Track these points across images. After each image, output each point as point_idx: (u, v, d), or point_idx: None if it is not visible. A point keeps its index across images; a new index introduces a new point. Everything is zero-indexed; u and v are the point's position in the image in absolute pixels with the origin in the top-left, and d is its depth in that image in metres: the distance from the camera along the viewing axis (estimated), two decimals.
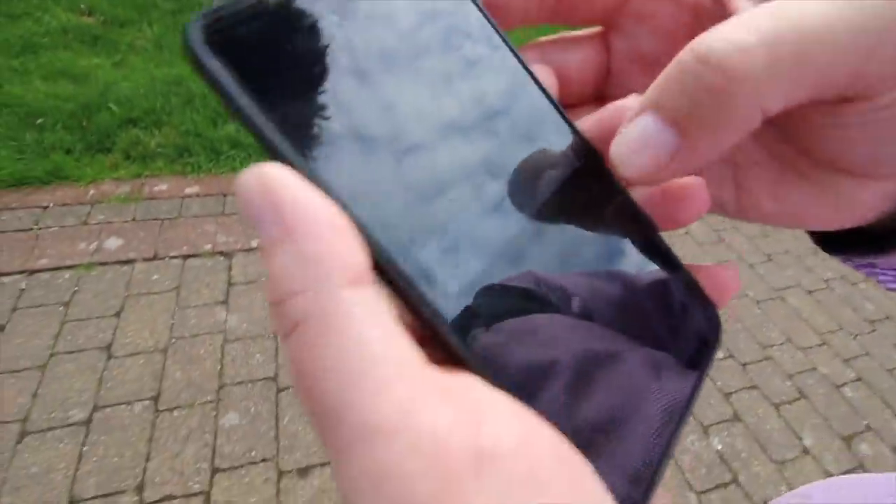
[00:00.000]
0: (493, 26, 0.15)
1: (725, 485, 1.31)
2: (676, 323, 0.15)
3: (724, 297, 0.16)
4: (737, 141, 0.13)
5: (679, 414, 0.14)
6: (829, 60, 0.11)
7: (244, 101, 0.11)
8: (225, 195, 1.90)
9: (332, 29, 0.12)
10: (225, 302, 1.53)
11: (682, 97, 0.12)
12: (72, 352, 1.34)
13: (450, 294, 0.12)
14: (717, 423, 1.47)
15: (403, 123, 0.12)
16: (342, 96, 0.12)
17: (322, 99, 0.12)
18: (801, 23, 0.11)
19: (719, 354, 1.68)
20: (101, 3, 2.82)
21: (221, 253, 1.68)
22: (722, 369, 1.63)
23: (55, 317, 1.41)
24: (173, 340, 1.40)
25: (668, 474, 1.32)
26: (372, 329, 0.10)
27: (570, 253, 0.14)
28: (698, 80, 0.12)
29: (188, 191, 1.88)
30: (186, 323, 1.46)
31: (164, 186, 1.88)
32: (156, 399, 1.27)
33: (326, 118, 0.12)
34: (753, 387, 1.60)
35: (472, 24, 0.15)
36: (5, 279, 1.48)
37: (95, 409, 1.23)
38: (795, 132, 0.15)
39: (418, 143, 0.12)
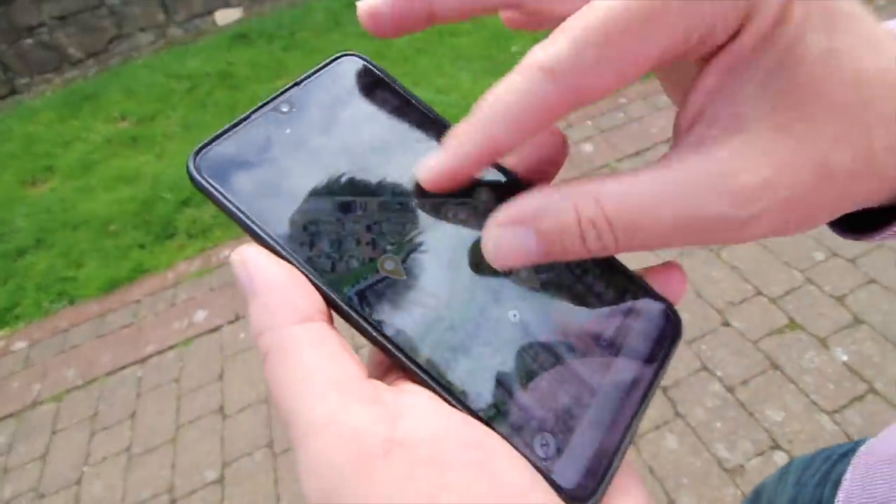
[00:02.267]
0: (424, 109, 0.19)
1: (860, 397, 1.18)
2: (631, 323, 0.16)
3: (678, 295, 0.17)
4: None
5: (633, 410, 0.15)
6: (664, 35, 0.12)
7: (227, 204, 0.16)
8: None
9: (285, 141, 0.17)
10: None
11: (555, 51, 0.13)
12: (193, 420, 1.49)
13: (382, 315, 0.15)
14: (836, 332, 1.32)
15: (347, 208, 0.16)
16: (300, 190, 0.16)
17: (284, 193, 0.16)
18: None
19: (821, 257, 1.51)
20: (129, 105, 3.09)
21: None
22: (826, 272, 1.46)
23: (171, 393, 1.57)
24: None
25: (792, 399, 1.21)
26: (314, 353, 0.13)
27: (516, 278, 0.16)
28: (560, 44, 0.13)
29: None
30: None
31: (227, 252, 2.02)
32: (271, 445, 1.38)
33: (284, 207, 0.16)
34: (871, 281, 1.42)
35: (405, 116, 0.18)
36: (125, 372, 1.68)
37: (224, 465, 1.36)
38: None
39: (365, 216, 0.16)
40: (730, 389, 1.26)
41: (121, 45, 3.87)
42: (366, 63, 0.19)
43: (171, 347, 1.72)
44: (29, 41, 3.69)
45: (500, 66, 2.79)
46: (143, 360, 1.70)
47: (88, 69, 3.85)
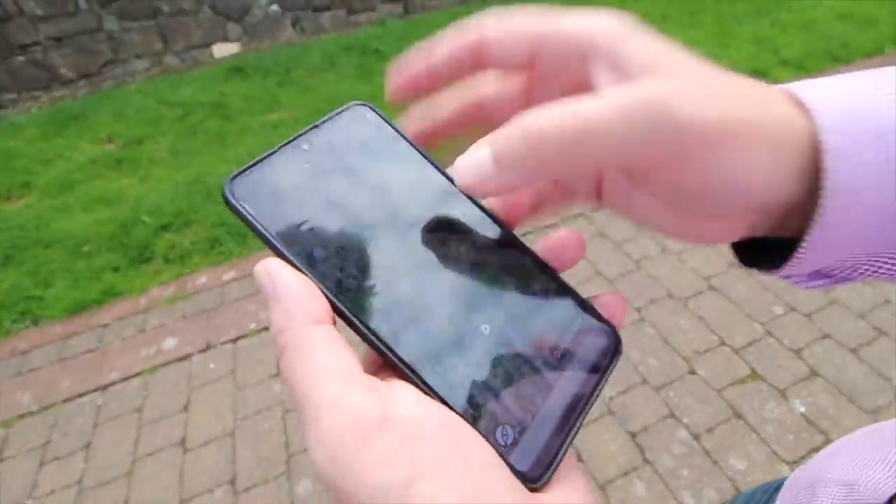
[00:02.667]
0: (421, 154, 0.22)
1: (817, 448, 1.23)
2: (580, 340, 0.20)
3: (618, 318, 0.21)
4: (531, 183, 0.18)
5: (578, 411, 0.18)
6: (595, 154, 0.16)
7: (253, 223, 0.19)
8: None
9: (304, 174, 0.20)
10: (278, 374, 1.60)
11: (503, 140, 0.17)
12: (152, 453, 1.43)
13: (378, 323, 0.18)
14: (794, 383, 1.38)
15: (353, 233, 0.20)
16: (314, 215, 0.19)
17: (302, 217, 0.19)
18: (586, 118, 0.16)
19: (780, 311, 1.59)
20: (118, 127, 3.10)
21: (266, 329, 1.77)
22: (785, 326, 1.54)
23: (131, 424, 1.51)
24: (238, 422, 1.48)
25: (752, 449, 1.25)
26: (324, 349, 0.16)
27: (487, 297, 0.20)
28: (510, 134, 0.17)
29: (225, 277, 2.00)
30: (247, 402, 1.53)
31: (203, 279, 2.00)
32: (233, 481, 1.33)
33: (301, 228, 0.19)
34: (825, 336, 1.50)
35: (404, 159, 0.22)
36: (84, 399, 1.61)
37: (182, 502, 1.30)
38: (644, 183, 0.19)
39: (367, 241, 0.19)
40: (696, 437, 1.30)
41: (115, 69, 3.91)
42: (373, 111, 0.23)
43: (135, 375, 1.67)
44: (21, 58, 3.70)
45: None
46: (104, 388, 1.64)
47: (79, 90, 3.86)
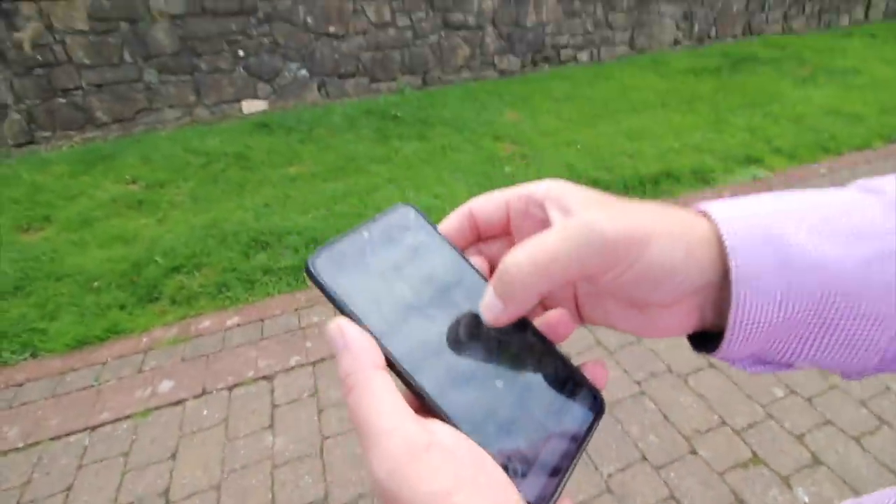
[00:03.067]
0: (450, 245, 0.28)
1: None
2: (569, 399, 0.25)
3: (601, 382, 0.26)
4: (532, 305, 0.24)
5: (571, 457, 0.23)
6: (559, 274, 0.22)
7: (327, 289, 0.24)
8: (262, 320, 2.02)
9: (371, 257, 0.26)
10: (271, 426, 1.58)
11: (499, 285, 0.24)
12: (132, 502, 1.38)
13: (421, 375, 0.23)
14: (798, 470, 1.35)
15: (402, 302, 0.25)
16: (378, 289, 0.25)
17: (363, 287, 0.25)
18: (546, 250, 0.22)
19: (780, 393, 1.59)
20: (143, 170, 3.25)
21: (264, 377, 1.76)
22: (786, 409, 1.53)
23: (116, 469, 1.47)
24: (225, 476, 1.43)
25: None
26: (383, 389, 0.21)
27: (502, 361, 0.25)
28: (503, 280, 0.23)
29: (229, 322, 2.02)
30: (236, 454, 1.50)
31: (207, 323, 2.02)
32: None
33: (363, 295, 0.24)
34: (827, 422, 1.49)
35: (438, 248, 0.28)
36: (71, 438, 1.57)
37: None
38: (603, 288, 0.25)
39: (412, 309, 0.25)
40: None
41: (148, 116, 4.16)
42: (416, 211, 0.29)
43: (126, 417, 1.64)
44: (61, 100, 3.94)
45: (494, 183, 3.06)
46: (93, 428, 1.61)
47: (111, 132, 4.08)
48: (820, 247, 0.21)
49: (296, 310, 2.07)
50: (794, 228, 0.21)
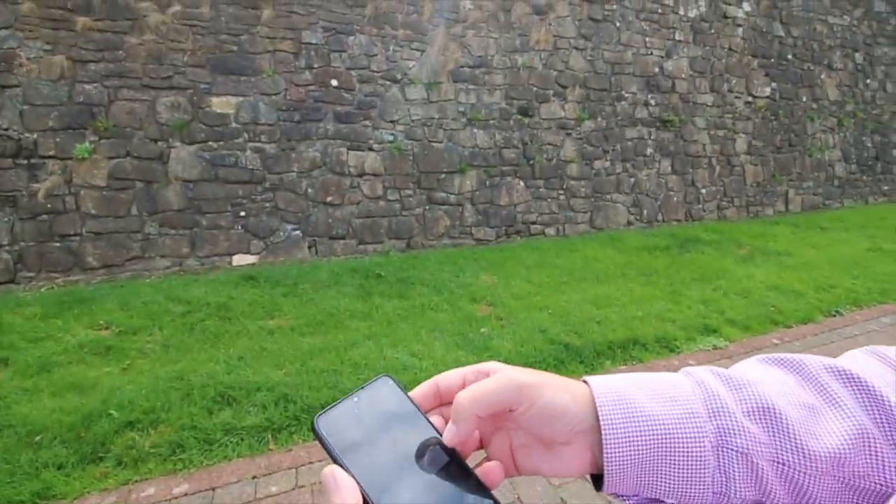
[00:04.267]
0: (418, 409, 0.36)
1: None
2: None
3: (495, 483, 0.34)
4: (474, 426, 0.34)
5: None
6: (490, 403, 0.34)
7: (330, 447, 0.32)
8: (214, 489, 1.83)
9: (359, 419, 0.34)
10: None
11: (454, 414, 0.34)
12: None
13: None
14: None
15: (378, 455, 0.33)
16: (362, 445, 0.33)
17: (355, 445, 0.33)
18: (482, 389, 0.34)
19: None
20: (119, 316, 3.23)
21: None
22: None
23: None
24: None
25: None
26: None
27: (447, 491, 0.33)
28: (455, 409, 0.34)
29: (176, 490, 1.82)
30: None
31: (151, 490, 1.81)
32: None
33: (352, 450, 0.32)
34: None
35: (409, 413, 0.36)
36: None
37: None
38: (520, 424, 0.35)
39: (385, 461, 0.32)
40: None
41: (137, 263, 4.29)
42: (393, 381, 0.37)
43: None
44: (56, 244, 4.09)
45: (470, 343, 3.13)
46: None
47: (96, 277, 4.15)
48: (651, 406, 0.33)
49: (253, 477, 1.90)
50: (637, 394, 0.34)
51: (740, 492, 0.32)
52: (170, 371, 2.54)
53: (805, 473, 0.31)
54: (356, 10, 5.08)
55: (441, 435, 0.34)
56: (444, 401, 0.37)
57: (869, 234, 6.07)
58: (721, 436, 0.32)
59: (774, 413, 0.32)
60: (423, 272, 4.28)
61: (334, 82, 4.95)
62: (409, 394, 0.37)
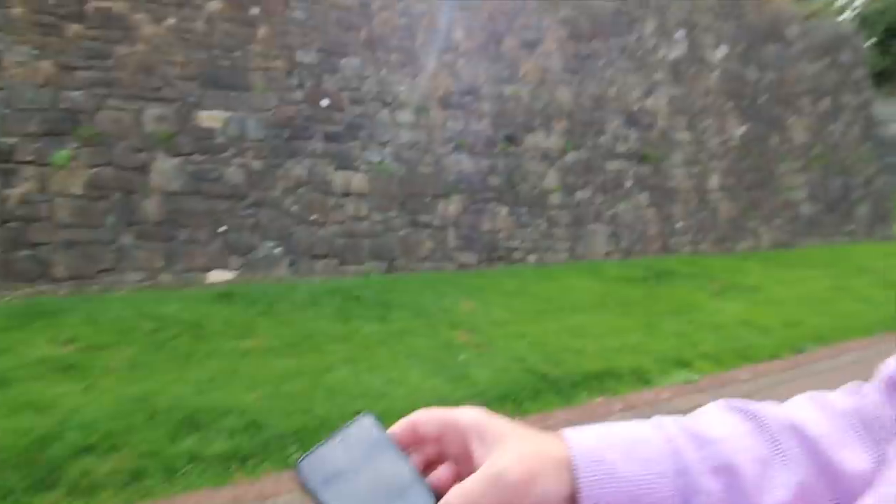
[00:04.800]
0: (396, 449, 0.36)
1: None
2: None
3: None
4: None
5: None
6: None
7: (305, 483, 0.32)
8: None
9: (338, 457, 0.34)
10: None
11: None
12: None
13: None
14: None
15: (356, 494, 0.33)
16: (341, 483, 0.33)
17: (333, 483, 0.33)
18: (472, 491, 0.32)
19: None
20: (85, 331, 3.11)
21: None
22: None
23: None
24: None
25: None
26: None
27: None
28: None
29: None
30: None
31: None
32: None
33: (332, 491, 0.32)
34: None
35: (387, 452, 0.36)
36: None
37: None
38: None
39: (362, 498, 0.33)
40: None
41: (108, 276, 4.16)
42: (374, 419, 0.37)
43: None
44: (25, 253, 3.95)
45: (447, 370, 3.11)
46: None
47: (62, 288, 4.00)
48: (626, 467, 0.35)
49: None
50: (614, 457, 0.35)
51: None
52: (134, 391, 2.44)
53: None
54: (351, 32, 5.16)
55: (420, 476, 0.36)
56: (419, 441, 0.38)
57: (832, 273, 6.32)
58: (685, 494, 0.36)
59: (734, 470, 0.37)
60: (404, 295, 4.26)
61: (325, 102, 4.98)
62: (388, 431, 0.38)
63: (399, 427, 0.38)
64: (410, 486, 0.35)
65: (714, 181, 7.66)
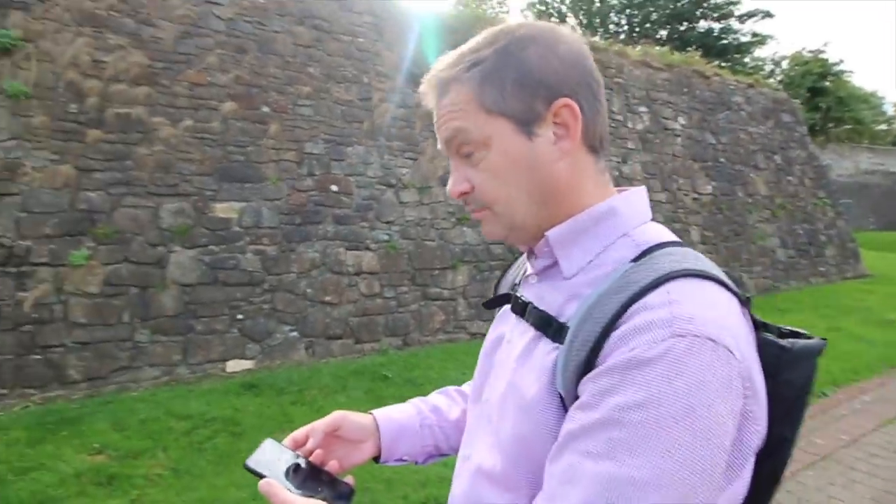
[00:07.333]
0: (292, 450, 0.69)
1: None
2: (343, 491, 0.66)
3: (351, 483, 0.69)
4: (324, 441, 0.72)
5: None
6: (328, 423, 0.75)
7: (251, 467, 0.64)
8: None
9: (266, 456, 0.67)
10: None
11: (312, 433, 0.72)
12: None
13: None
14: None
15: (279, 470, 0.64)
16: (271, 466, 0.65)
17: (270, 467, 0.65)
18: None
19: None
20: (114, 437, 2.98)
21: None
22: None
23: None
24: None
25: None
26: (285, 493, 0.59)
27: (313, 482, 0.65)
28: (313, 430, 0.72)
29: None
30: None
31: None
32: None
33: (270, 469, 0.64)
34: None
35: (285, 451, 0.69)
36: None
37: None
38: (340, 444, 0.75)
39: (282, 470, 0.64)
40: None
41: (122, 375, 4.02)
42: (274, 440, 0.69)
43: None
44: (36, 357, 3.81)
45: None
46: None
47: (76, 392, 3.83)
48: (398, 416, 0.77)
49: None
50: (392, 412, 0.78)
51: (428, 445, 0.77)
52: (188, 500, 2.34)
53: (447, 429, 0.79)
54: (355, 124, 5.54)
55: (303, 457, 0.66)
56: (299, 445, 0.69)
57: (822, 315, 6.64)
58: (421, 420, 0.78)
59: (438, 408, 0.80)
60: (429, 371, 4.26)
61: (334, 187, 5.22)
62: (283, 442, 0.68)
63: (287, 440, 0.68)
64: (295, 458, 0.65)
65: (695, 235, 8.15)
